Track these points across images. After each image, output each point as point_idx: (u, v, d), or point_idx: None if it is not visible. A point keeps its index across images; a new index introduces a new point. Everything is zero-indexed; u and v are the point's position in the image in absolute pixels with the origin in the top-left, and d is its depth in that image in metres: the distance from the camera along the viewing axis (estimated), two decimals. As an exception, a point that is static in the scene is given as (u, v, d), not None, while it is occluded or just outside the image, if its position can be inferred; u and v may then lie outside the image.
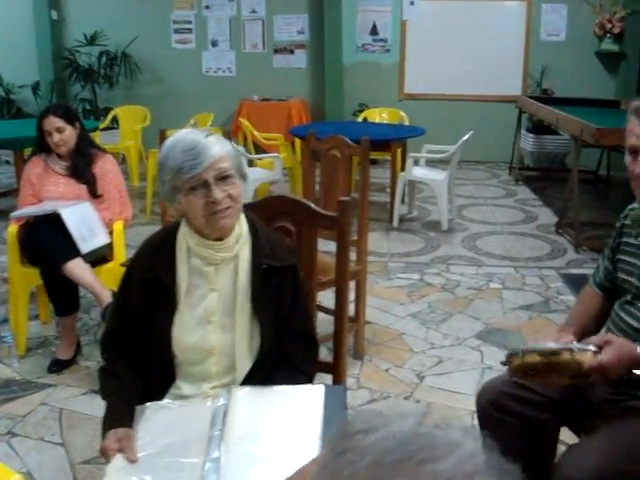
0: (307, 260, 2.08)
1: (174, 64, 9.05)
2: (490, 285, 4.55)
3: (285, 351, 1.85)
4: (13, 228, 3.66)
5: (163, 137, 4.01)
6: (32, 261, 3.52)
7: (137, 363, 1.83)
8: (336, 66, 8.63)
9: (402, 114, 7.40)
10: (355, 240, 3.47)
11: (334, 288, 2.12)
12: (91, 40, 8.75)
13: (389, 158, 6.31)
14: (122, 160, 7.56)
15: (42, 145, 3.68)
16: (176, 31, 9.03)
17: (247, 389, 1.76)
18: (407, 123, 7.20)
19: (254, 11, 8.82)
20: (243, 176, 1.78)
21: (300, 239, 2.08)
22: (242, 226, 1.82)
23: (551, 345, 1.73)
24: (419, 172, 6.07)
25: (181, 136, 1.71)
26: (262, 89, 8.76)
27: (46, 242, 3.43)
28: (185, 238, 1.79)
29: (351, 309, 3.60)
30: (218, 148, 1.69)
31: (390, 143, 6.02)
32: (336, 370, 2.10)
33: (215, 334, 1.79)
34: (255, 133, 6.88)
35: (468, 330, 3.86)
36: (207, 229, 1.75)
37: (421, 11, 8.58)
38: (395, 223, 5.88)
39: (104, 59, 8.87)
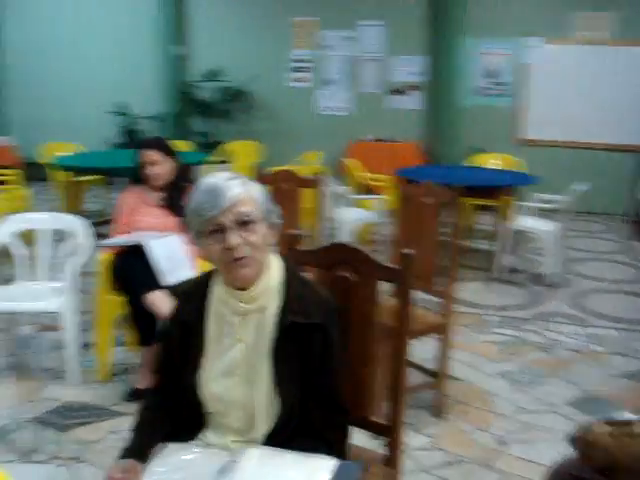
0: (366, 314, 1.95)
1: (290, 102, 9.21)
2: (592, 348, 4.21)
3: (310, 416, 1.72)
4: (105, 256, 3.75)
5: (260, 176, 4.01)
6: (119, 289, 3.58)
7: (172, 402, 1.79)
8: (451, 109, 8.48)
9: (517, 160, 7.13)
10: (443, 290, 3.31)
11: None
12: (212, 76, 9.07)
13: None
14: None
15: (139, 176, 3.76)
16: (294, 69, 9.20)
17: (260, 450, 1.66)
18: (522, 169, 6.91)
19: (372, 51, 8.84)
20: (273, 223, 1.70)
21: (359, 291, 1.96)
22: (273, 276, 1.72)
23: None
24: (528, 221, 5.78)
25: (207, 178, 1.66)
26: (375, 129, 8.74)
27: (131, 272, 3.48)
28: (216, 284, 1.74)
29: (435, 363, 3.43)
30: (238, 191, 1.61)
31: (498, 190, 5.79)
32: (391, 434, 1.95)
33: (238, 387, 1.71)
34: (361, 174, 6.82)
35: (562, 396, 3.57)
36: (227, 277, 1.67)
37: (544, 55, 8.31)
38: (497, 274, 5.62)
39: (223, 95, 9.14)
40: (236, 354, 1.71)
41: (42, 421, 3.23)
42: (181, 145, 8.64)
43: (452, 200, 3.20)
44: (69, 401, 3.43)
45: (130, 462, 1.64)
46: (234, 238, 1.59)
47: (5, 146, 9.62)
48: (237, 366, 1.71)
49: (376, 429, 2.00)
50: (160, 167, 3.66)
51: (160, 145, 3.72)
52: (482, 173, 6.51)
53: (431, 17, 8.52)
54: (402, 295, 1.91)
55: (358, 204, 6.54)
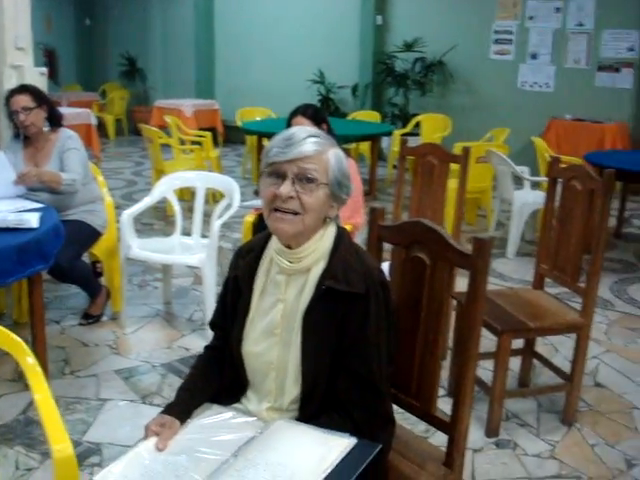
0: (437, 301, 1.80)
1: (489, 75, 8.82)
2: None
3: (338, 390, 1.64)
4: (249, 218, 3.85)
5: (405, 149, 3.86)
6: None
7: (224, 359, 1.80)
8: (668, 89, 7.63)
9: None
10: (583, 287, 2.99)
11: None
12: (409, 46, 8.92)
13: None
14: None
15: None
16: (496, 41, 8.77)
17: (286, 423, 1.63)
18: None
19: (581, 24, 8.17)
20: (337, 196, 1.65)
21: (432, 274, 1.81)
22: (325, 241, 1.66)
23: None
24: None
25: (296, 128, 1.65)
26: (578, 108, 8.12)
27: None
28: (273, 242, 1.71)
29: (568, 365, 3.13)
30: (311, 148, 1.57)
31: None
32: (450, 432, 1.79)
33: (276, 348, 1.69)
34: (548, 154, 6.36)
35: None
36: (269, 225, 1.64)
37: None
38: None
39: (419, 66, 8.97)
40: (277, 314, 1.69)
41: (169, 368, 3.42)
42: (371, 116, 8.66)
43: (603, 189, 2.84)
44: (199, 352, 3.56)
45: (169, 418, 1.67)
46: (287, 188, 1.57)
47: (212, 109, 10.28)
48: (276, 326, 1.69)
49: (438, 424, 1.85)
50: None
51: (312, 113, 3.74)
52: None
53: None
54: (472, 287, 1.73)
55: (541, 187, 6.12)
